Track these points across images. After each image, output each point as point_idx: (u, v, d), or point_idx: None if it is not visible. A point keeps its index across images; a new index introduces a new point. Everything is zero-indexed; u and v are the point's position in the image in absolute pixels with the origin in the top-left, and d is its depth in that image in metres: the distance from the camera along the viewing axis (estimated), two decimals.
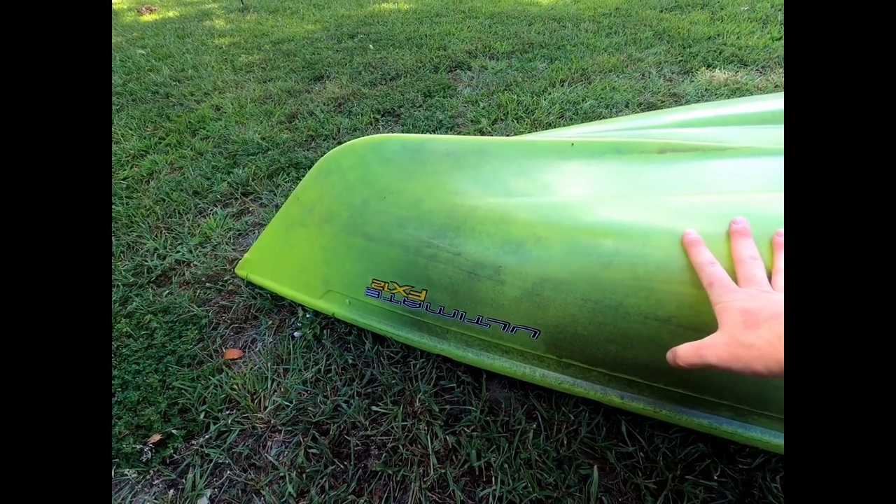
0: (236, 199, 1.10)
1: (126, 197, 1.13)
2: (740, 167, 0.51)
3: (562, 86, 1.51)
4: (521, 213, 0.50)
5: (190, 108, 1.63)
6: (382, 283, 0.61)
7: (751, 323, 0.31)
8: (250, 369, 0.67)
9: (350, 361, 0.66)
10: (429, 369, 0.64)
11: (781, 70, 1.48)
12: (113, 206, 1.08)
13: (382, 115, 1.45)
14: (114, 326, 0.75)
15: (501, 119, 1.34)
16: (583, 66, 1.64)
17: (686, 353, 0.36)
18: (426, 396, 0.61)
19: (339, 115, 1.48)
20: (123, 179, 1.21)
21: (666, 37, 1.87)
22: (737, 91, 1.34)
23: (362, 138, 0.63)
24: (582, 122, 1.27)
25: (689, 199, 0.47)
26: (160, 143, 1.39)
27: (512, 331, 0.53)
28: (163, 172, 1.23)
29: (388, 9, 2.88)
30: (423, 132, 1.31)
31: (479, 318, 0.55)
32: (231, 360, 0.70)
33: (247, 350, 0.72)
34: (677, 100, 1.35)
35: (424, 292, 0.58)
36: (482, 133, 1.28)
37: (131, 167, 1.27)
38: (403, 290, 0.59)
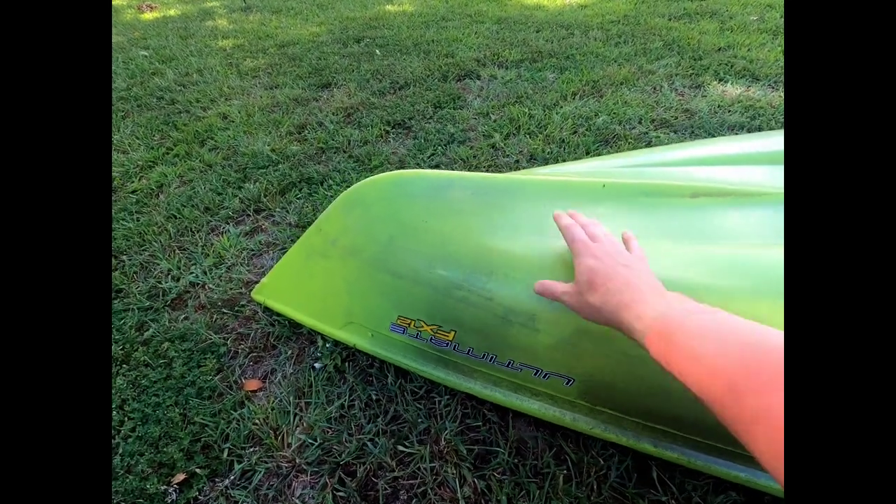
0: (248, 216, 1.09)
1: (136, 212, 1.11)
2: (777, 216, 0.51)
3: (573, 99, 1.50)
4: (556, 260, 0.50)
5: (196, 115, 1.61)
6: (409, 320, 0.60)
7: (592, 285, 0.39)
8: (272, 403, 0.67)
9: (373, 396, 0.66)
10: (454, 406, 0.63)
11: None
12: (124, 223, 1.06)
13: (393, 128, 1.44)
14: (131, 355, 0.74)
15: (514, 134, 1.33)
16: (593, 77, 1.63)
17: (546, 288, 0.44)
18: (452, 435, 0.60)
19: (348, 126, 1.47)
20: (133, 193, 1.19)
21: (676, 47, 1.86)
22: (749, 109, 1.34)
23: (387, 174, 0.62)
24: (595, 139, 1.26)
25: (731, 251, 0.46)
26: (168, 153, 1.37)
27: (544, 377, 0.53)
28: (172, 185, 1.22)
29: (393, 11, 2.85)
30: (434, 146, 1.30)
31: (510, 362, 0.54)
32: (251, 391, 0.70)
33: (267, 381, 0.71)
34: (690, 116, 1.34)
35: (453, 332, 0.57)
36: (495, 148, 1.27)
37: (140, 179, 1.26)
38: (431, 329, 0.59)
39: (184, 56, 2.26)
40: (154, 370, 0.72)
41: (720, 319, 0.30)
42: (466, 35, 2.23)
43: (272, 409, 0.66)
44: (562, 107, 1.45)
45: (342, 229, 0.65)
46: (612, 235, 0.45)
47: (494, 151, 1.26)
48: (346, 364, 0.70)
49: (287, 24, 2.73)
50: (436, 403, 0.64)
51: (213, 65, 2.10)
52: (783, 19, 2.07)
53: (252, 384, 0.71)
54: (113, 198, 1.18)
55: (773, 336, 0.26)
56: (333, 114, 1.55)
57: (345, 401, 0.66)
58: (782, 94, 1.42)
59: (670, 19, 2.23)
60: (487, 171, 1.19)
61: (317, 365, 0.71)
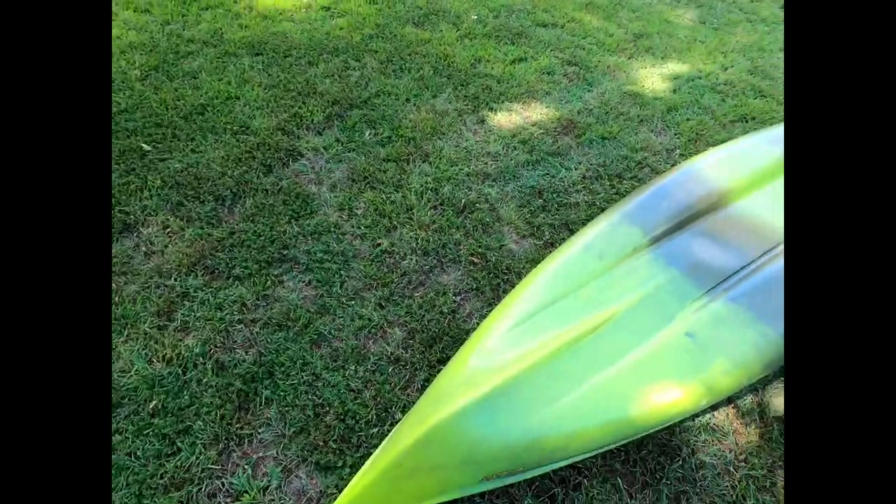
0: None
1: None
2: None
3: (409, 165, 1.73)
4: None
5: None
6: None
7: None
8: None
9: None
10: None
11: (539, 104, 2.08)
12: None
13: (273, 265, 1.39)
14: None
15: (392, 229, 1.52)
16: (405, 133, 1.84)
17: None
18: None
19: (227, 283, 1.34)
20: None
21: (442, 70, 2.19)
22: (526, 142, 1.88)
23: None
24: (454, 213, 1.58)
25: None
26: None
27: None
28: None
29: None
30: (339, 283, 1.38)
31: None
32: None
33: None
34: (496, 161, 1.79)
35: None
36: (390, 254, 1.46)
37: None
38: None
39: None
40: None
41: None
42: (236, 88, 1.97)
43: None
44: (408, 179, 1.67)
45: (424, 459, 0.88)
46: None
47: (393, 261, 1.44)
48: None
49: None
50: None
51: None
52: (491, 15, 2.62)
53: None
54: None
55: None
56: (185, 273, 1.34)
57: None
58: (529, 114, 2.02)
59: (416, 26, 2.48)
60: (417, 297, 1.39)
61: None
